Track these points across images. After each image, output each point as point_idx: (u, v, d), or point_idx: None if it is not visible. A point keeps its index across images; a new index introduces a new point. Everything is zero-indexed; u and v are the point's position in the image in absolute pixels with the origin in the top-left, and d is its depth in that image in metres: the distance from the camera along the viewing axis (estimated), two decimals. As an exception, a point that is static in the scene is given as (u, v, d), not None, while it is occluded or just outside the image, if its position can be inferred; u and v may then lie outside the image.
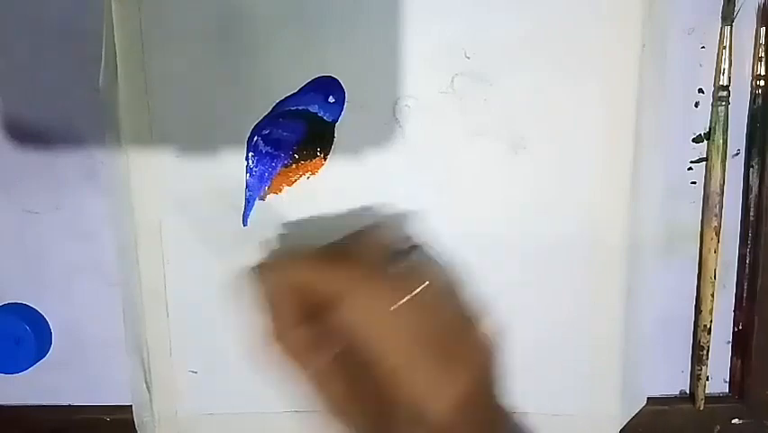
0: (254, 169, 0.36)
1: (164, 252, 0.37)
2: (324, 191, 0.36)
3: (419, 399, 0.28)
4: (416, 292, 0.29)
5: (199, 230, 0.37)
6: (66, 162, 0.37)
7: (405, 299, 0.29)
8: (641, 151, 0.36)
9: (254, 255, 0.37)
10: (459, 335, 0.30)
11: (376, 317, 0.28)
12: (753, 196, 0.39)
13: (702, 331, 0.39)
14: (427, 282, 0.30)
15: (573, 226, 0.37)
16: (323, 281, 0.29)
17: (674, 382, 0.41)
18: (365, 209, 0.36)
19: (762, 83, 0.37)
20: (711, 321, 0.39)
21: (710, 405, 0.40)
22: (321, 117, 0.36)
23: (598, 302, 0.38)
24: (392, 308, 0.29)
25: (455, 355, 0.29)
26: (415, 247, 0.33)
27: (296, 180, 0.36)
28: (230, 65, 0.35)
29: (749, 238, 0.39)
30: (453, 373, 0.28)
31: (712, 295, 0.39)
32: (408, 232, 0.35)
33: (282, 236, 0.37)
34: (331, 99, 0.35)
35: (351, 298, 0.29)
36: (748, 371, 0.40)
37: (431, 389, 0.28)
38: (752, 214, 0.39)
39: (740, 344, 0.40)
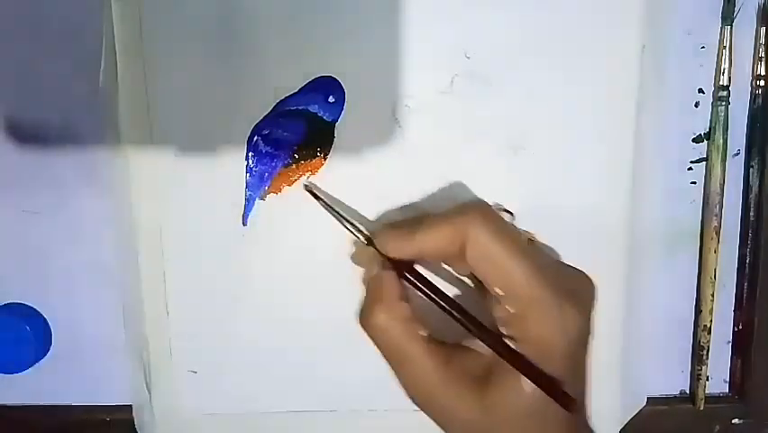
0: (254, 169, 0.36)
1: (164, 252, 0.37)
2: (325, 191, 0.36)
3: (546, 335, 0.28)
4: (532, 236, 0.31)
5: (199, 230, 0.37)
6: (66, 162, 0.37)
7: (529, 235, 0.30)
8: (641, 151, 0.36)
9: (254, 255, 0.37)
10: (571, 277, 0.30)
11: (506, 251, 0.28)
12: (753, 196, 0.39)
13: (702, 331, 0.39)
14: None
15: (573, 226, 0.37)
16: (454, 225, 0.29)
17: (674, 382, 0.41)
18: (365, 209, 0.36)
19: (762, 83, 0.37)
20: (711, 321, 0.39)
21: (710, 405, 0.40)
22: (321, 117, 0.36)
23: (599, 302, 0.38)
24: (528, 237, 0.29)
25: (572, 295, 0.29)
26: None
27: (296, 180, 0.36)
28: (230, 65, 0.35)
29: (749, 238, 0.39)
30: (572, 312, 0.28)
31: (712, 295, 0.39)
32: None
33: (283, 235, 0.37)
34: (331, 99, 0.35)
35: (484, 234, 0.28)
36: (748, 371, 0.40)
37: (557, 326, 0.28)
38: (752, 214, 0.39)
39: (740, 344, 0.40)
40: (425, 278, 0.31)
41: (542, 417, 0.28)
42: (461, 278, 0.35)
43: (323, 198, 0.35)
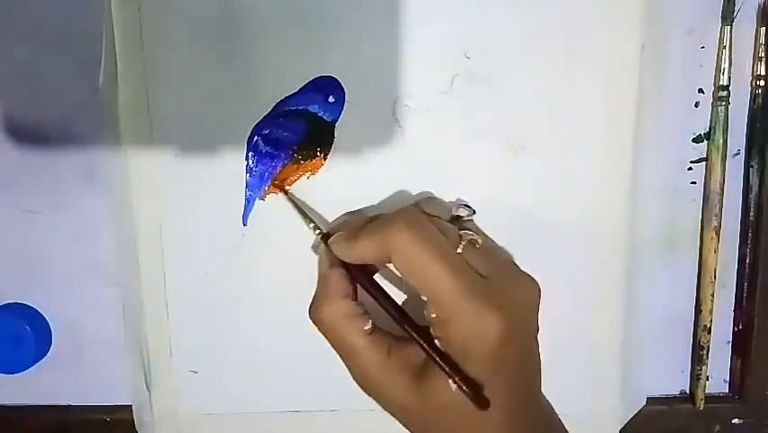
0: (254, 169, 0.36)
1: (164, 252, 0.37)
2: (324, 191, 0.36)
3: (466, 340, 0.29)
4: (476, 238, 0.31)
5: (199, 230, 0.37)
6: (66, 162, 0.37)
7: (467, 241, 0.31)
8: (641, 151, 0.36)
9: (254, 255, 0.37)
10: (505, 281, 0.31)
11: (428, 261, 0.29)
12: (753, 196, 0.39)
13: (702, 331, 0.39)
14: (481, 238, 0.32)
15: (573, 226, 0.37)
16: (382, 235, 0.31)
17: (674, 382, 0.41)
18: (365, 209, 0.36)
19: (762, 83, 0.37)
20: (711, 321, 0.39)
21: (710, 405, 0.40)
22: (321, 117, 0.36)
23: (599, 302, 0.38)
24: (458, 250, 0.30)
25: (497, 301, 0.30)
26: (462, 217, 0.34)
27: (296, 180, 0.36)
28: (230, 65, 0.35)
29: (749, 238, 0.39)
30: (492, 318, 0.29)
31: (712, 295, 0.39)
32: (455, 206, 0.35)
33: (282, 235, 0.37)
34: (331, 99, 0.35)
35: (407, 243, 0.30)
36: (748, 371, 0.40)
37: (475, 332, 0.29)
38: (752, 214, 0.39)
39: (740, 344, 0.40)
40: (373, 279, 0.33)
41: (470, 413, 0.29)
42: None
43: (289, 194, 0.36)
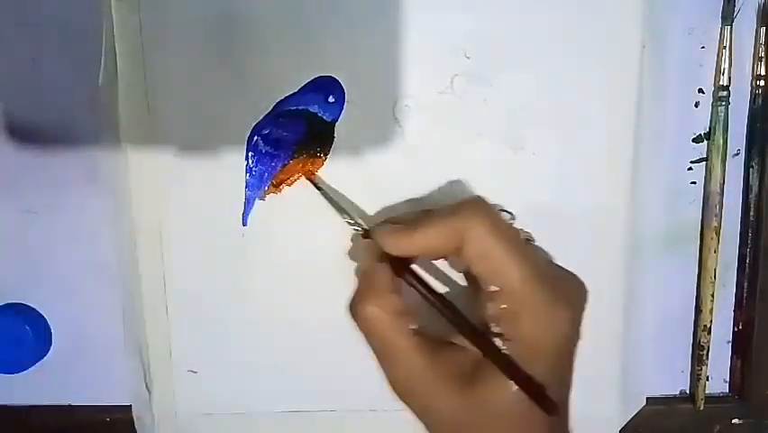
0: (254, 169, 0.36)
1: (164, 252, 0.37)
2: (326, 183, 0.36)
3: (537, 334, 0.28)
4: (531, 236, 0.31)
5: (199, 230, 0.37)
6: (66, 162, 0.37)
7: (527, 235, 0.31)
8: (641, 151, 0.36)
9: (254, 255, 0.37)
10: (564, 278, 0.31)
11: (504, 249, 0.28)
12: (753, 196, 0.39)
13: (702, 331, 0.39)
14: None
15: (573, 226, 0.37)
16: (455, 222, 0.29)
17: (674, 382, 0.41)
18: (365, 209, 0.36)
19: (762, 83, 0.37)
20: (711, 321, 0.39)
21: (710, 405, 0.40)
22: (321, 117, 0.36)
23: (599, 302, 0.38)
24: (526, 237, 0.30)
25: (564, 296, 0.29)
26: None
27: (296, 180, 0.36)
28: (230, 65, 0.35)
29: (749, 238, 0.39)
30: (564, 312, 0.29)
31: (712, 295, 0.39)
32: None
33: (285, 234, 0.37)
34: (331, 99, 0.35)
35: (482, 232, 0.29)
36: (748, 371, 0.40)
37: (548, 325, 0.28)
38: (752, 214, 0.39)
39: (740, 344, 0.40)
40: (419, 275, 0.31)
41: (524, 419, 0.28)
42: (454, 277, 0.36)
43: (324, 188, 0.35)
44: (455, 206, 0.30)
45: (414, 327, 0.30)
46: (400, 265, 0.31)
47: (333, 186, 0.36)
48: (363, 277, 0.32)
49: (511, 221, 0.34)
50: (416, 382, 0.29)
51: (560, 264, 0.32)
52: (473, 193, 0.36)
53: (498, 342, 0.29)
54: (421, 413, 0.30)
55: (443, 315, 0.30)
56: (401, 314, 0.30)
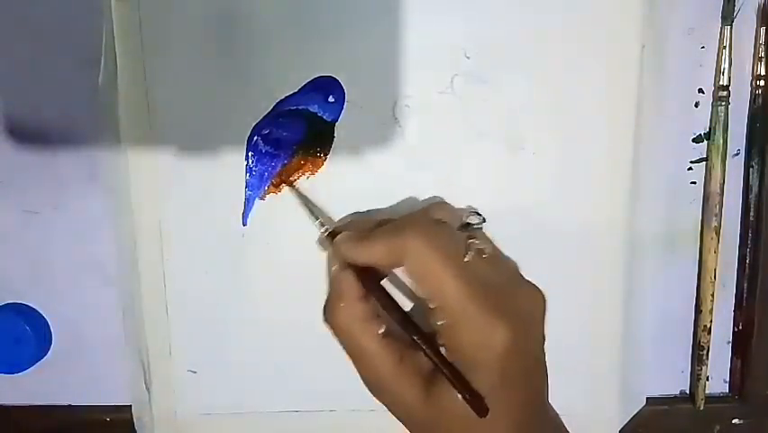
0: (254, 168, 0.36)
1: (164, 252, 0.37)
2: (324, 191, 0.36)
3: (473, 349, 0.29)
4: (483, 247, 0.31)
5: (199, 230, 0.37)
6: (66, 162, 0.37)
7: (475, 251, 0.31)
8: (641, 151, 0.36)
9: (254, 255, 0.37)
10: (513, 292, 0.31)
11: (440, 268, 0.30)
12: (753, 196, 0.39)
13: (702, 331, 0.39)
14: (489, 248, 0.32)
15: (573, 226, 0.37)
16: (395, 239, 0.31)
17: (674, 382, 0.41)
18: (365, 209, 0.36)
19: (762, 83, 0.37)
20: (711, 321, 0.39)
21: (710, 405, 0.40)
22: (321, 117, 0.36)
23: (599, 302, 0.38)
24: (466, 259, 0.30)
25: (506, 311, 0.30)
26: (472, 225, 0.35)
27: (296, 180, 0.36)
28: (230, 65, 0.35)
29: (749, 238, 0.39)
30: (500, 328, 0.29)
31: (712, 295, 0.39)
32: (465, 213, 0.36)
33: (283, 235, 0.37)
34: (331, 99, 0.35)
35: (419, 250, 0.30)
36: (748, 371, 0.40)
37: (482, 341, 0.29)
38: (752, 214, 0.39)
39: (740, 344, 0.40)
40: (377, 282, 0.33)
41: (478, 420, 0.29)
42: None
43: (297, 188, 0.36)
44: (399, 221, 0.32)
45: (381, 330, 0.31)
46: (363, 272, 0.32)
47: (332, 188, 0.36)
48: (331, 284, 0.33)
49: (479, 226, 0.35)
50: (384, 382, 0.31)
51: (518, 276, 0.34)
52: (473, 193, 0.36)
53: (443, 351, 0.31)
54: (391, 410, 0.32)
55: (397, 323, 0.31)
56: (368, 319, 0.32)
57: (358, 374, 0.32)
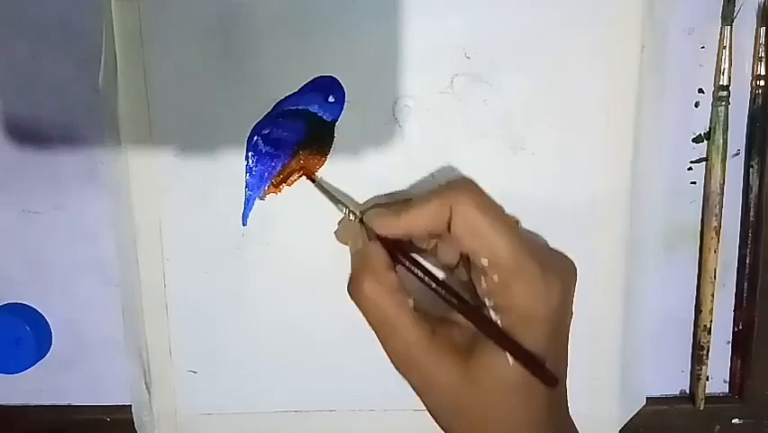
0: (254, 168, 0.36)
1: (164, 252, 0.37)
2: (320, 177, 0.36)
3: (530, 303, 0.29)
4: (517, 218, 0.32)
5: (199, 230, 0.37)
6: (66, 162, 0.37)
7: (516, 219, 0.31)
8: (641, 151, 0.36)
9: (254, 255, 0.37)
10: (553, 254, 0.32)
11: (491, 222, 0.29)
12: (753, 196, 0.39)
13: (702, 331, 0.39)
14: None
15: (573, 226, 0.37)
16: (443, 199, 0.30)
17: (674, 382, 0.41)
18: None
19: (762, 83, 0.37)
20: (711, 321, 0.39)
21: (710, 405, 0.40)
22: (321, 117, 0.36)
23: (599, 302, 0.38)
24: (506, 212, 0.30)
25: (553, 267, 0.30)
26: None
27: (296, 180, 0.36)
28: (230, 65, 0.35)
29: (749, 238, 0.39)
30: (555, 282, 0.29)
31: (712, 295, 0.39)
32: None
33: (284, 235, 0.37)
34: (331, 99, 0.35)
35: (469, 206, 0.30)
36: (748, 371, 0.40)
37: (540, 295, 0.29)
38: (752, 214, 0.39)
39: (740, 344, 0.40)
40: (412, 256, 0.32)
41: (522, 391, 0.29)
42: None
43: (318, 180, 0.36)
44: (444, 184, 0.32)
45: (411, 303, 0.30)
46: (393, 247, 0.31)
47: (332, 186, 0.36)
48: (359, 257, 0.32)
49: None
50: (416, 357, 0.30)
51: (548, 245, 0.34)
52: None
53: (492, 315, 0.30)
54: (420, 387, 0.31)
55: (437, 293, 0.30)
56: (398, 290, 0.30)
57: (384, 350, 0.31)
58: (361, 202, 0.36)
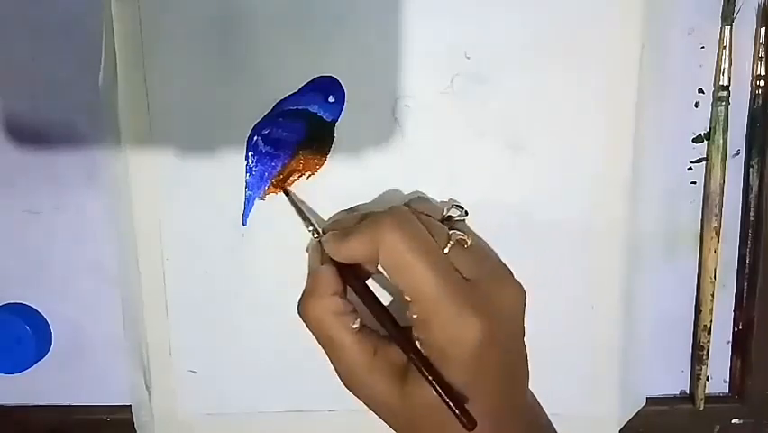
0: (254, 168, 0.36)
1: (164, 252, 0.37)
2: (324, 191, 0.36)
3: (444, 343, 0.29)
4: (465, 238, 0.31)
5: (199, 230, 0.37)
6: (66, 162, 0.37)
7: (456, 241, 0.31)
8: (641, 151, 0.36)
9: (254, 255, 0.37)
10: (489, 283, 0.31)
11: (413, 261, 0.29)
12: (753, 196, 0.39)
13: (702, 331, 0.39)
14: (471, 239, 0.32)
15: (573, 226, 0.37)
16: (371, 233, 0.31)
17: (674, 382, 0.41)
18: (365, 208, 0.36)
19: (762, 83, 0.37)
20: (711, 321, 0.39)
21: (710, 405, 0.40)
22: (321, 117, 0.36)
23: (598, 302, 0.38)
24: (446, 250, 0.30)
25: (479, 303, 0.30)
26: (453, 218, 0.35)
27: (295, 180, 0.36)
28: (230, 65, 0.35)
29: (749, 238, 0.39)
30: (472, 320, 0.29)
31: (712, 295, 0.39)
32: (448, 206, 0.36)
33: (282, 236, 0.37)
34: (331, 99, 0.35)
35: (393, 242, 0.30)
36: (748, 371, 0.40)
37: (454, 334, 0.29)
38: (752, 214, 0.39)
39: (740, 344, 0.40)
40: (359, 277, 0.33)
41: (451, 416, 0.29)
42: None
43: (292, 194, 0.36)
44: (375, 215, 0.32)
45: (356, 325, 0.31)
46: (348, 269, 0.32)
47: (332, 188, 0.36)
48: (310, 279, 0.33)
49: (460, 218, 0.34)
50: (358, 376, 0.31)
51: (498, 265, 0.33)
52: (473, 193, 0.36)
53: (418, 344, 0.31)
54: (366, 403, 0.32)
55: (376, 318, 0.32)
56: (343, 314, 0.32)
57: (334, 369, 0.32)
58: (360, 204, 0.36)
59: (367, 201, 0.36)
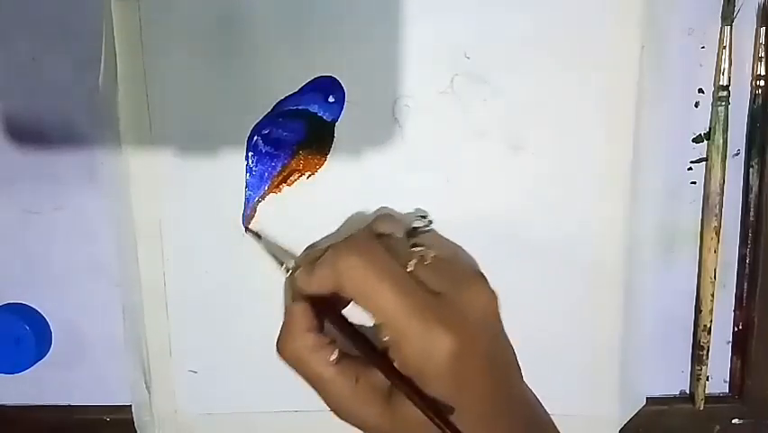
0: (254, 168, 0.36)
1: (164, 252, 0.37)
2: (324, 191, 0.36)
3: (417, 361, 0.29)
4: (426, 253, 0.31)
5: (199, 230, 0.37)
6: (66, 162, 0.37)
7: (418, 258, 0.31)
8: (641, 151, 0.36)
9: (254, 255, 0.37)
10: (456, 295, 0.31)
11: (377, 287, 0.29)
12: (753, 196, 0.39)
13: (702, 331, 0.39)
14: (434, 251, 0.32)
15: (573, 226, 0.37)
16: (333, 265, 0.31)
17: (674, 382, 0.41)
18: (364, 209, 0.36)
19: (762, 83, 0.37)
20: (711, 321, 0.39)
21: (710, 405, 0.40)
22: (321, 117, 0.36)
23: (598, 302, 0.38)
24: (408, 268, 0.30)
25: (447, 317, 0.30)
26: (418, 228, 0.35)
27: (295, 180, 0.36)
28: (230, 65, 0.35)
29: (749, 238, 0.39)
30: (442, 335, 0.29)
31: (712, 295, 0.39)
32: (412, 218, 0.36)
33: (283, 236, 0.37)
34: (331, 99, 0.35)
35: (354, 271, 0.30)
36: (748, 371, 0.40)
37: (424, 352, 0.29)
38: (752, 214, 0.39)
39: (740, 344, 0.40)
40: (333, 308, 0.33)
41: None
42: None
43: (264, 238, 0.36)
44: (335, 245, 0.32)
45: (333, 357, 0.31)
46: (319, 301, 0.32)
47: (332, 188, 0.36)
48: (285, 317, 0.33)
49: (426, 229, 0.35)
50: (345, 405, 0.31)
51: (469, 270, 0.33)
52: (473, 193, 0.36)
53: (395, 365, 0.31)
54: (358, 427, 0.32)
55: (356, 347, 0.32)
56: (319, 349, 0.31)
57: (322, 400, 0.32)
58: (360, 204, 0.36)
59: (367, 201, 0.36)
